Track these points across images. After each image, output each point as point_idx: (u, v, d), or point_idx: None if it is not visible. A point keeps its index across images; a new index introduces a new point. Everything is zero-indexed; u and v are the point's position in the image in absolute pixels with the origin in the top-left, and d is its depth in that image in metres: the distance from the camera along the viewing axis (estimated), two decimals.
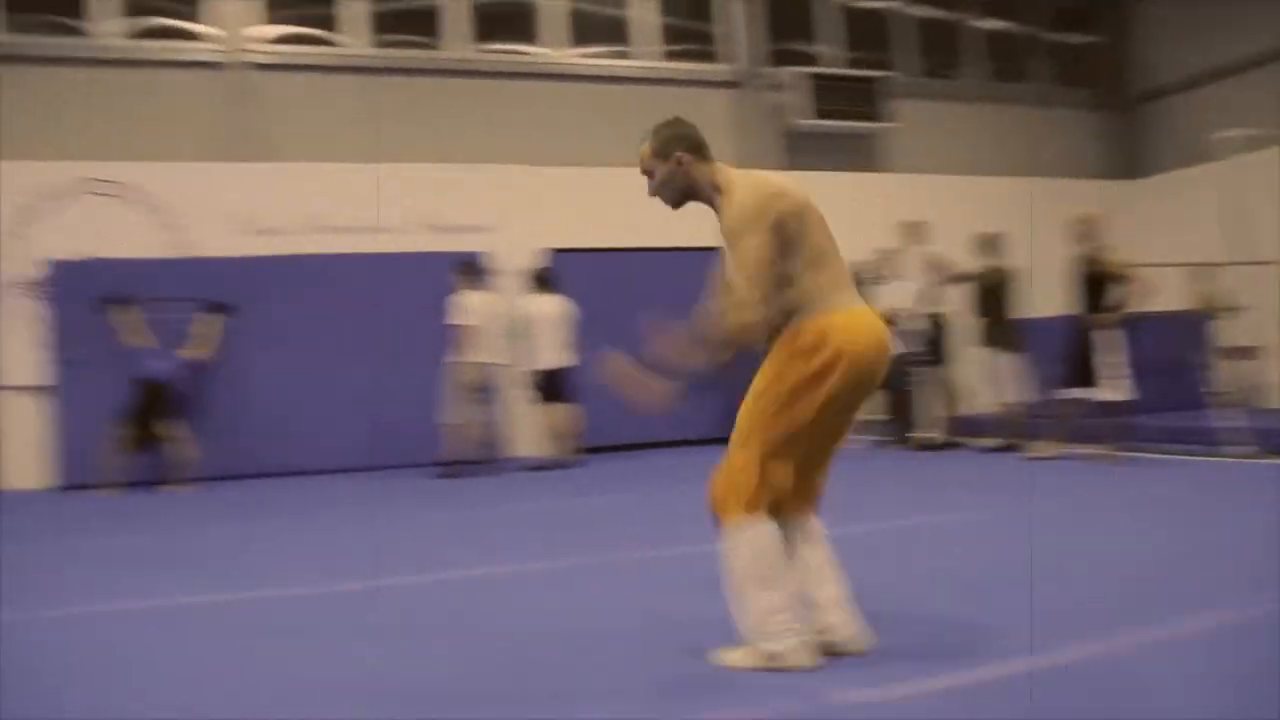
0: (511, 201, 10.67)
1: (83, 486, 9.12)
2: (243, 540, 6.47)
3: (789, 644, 3.01)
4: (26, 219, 9.54)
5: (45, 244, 9.48)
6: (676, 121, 3.23)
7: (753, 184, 3.12)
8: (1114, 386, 7.94)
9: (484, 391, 9.49)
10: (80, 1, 10.02)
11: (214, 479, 9.25)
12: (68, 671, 3.48)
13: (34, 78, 9.81)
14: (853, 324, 3.08)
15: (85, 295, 9.34)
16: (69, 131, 9.81)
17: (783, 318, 3.09)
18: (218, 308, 9.57)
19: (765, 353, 3.15)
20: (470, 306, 9.34)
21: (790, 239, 3.06)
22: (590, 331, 9.73)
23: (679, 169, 3.17)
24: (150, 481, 9.09)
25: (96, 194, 9.64)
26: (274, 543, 6.38)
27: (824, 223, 3.17)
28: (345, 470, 9.75)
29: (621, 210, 10.48)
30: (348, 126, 10.47)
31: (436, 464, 9.31)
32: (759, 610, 3.03)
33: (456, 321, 9.32)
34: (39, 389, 9.46)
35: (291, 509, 7.97)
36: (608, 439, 10.20)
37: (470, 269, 9.56)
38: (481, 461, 9.39)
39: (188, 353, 9.38)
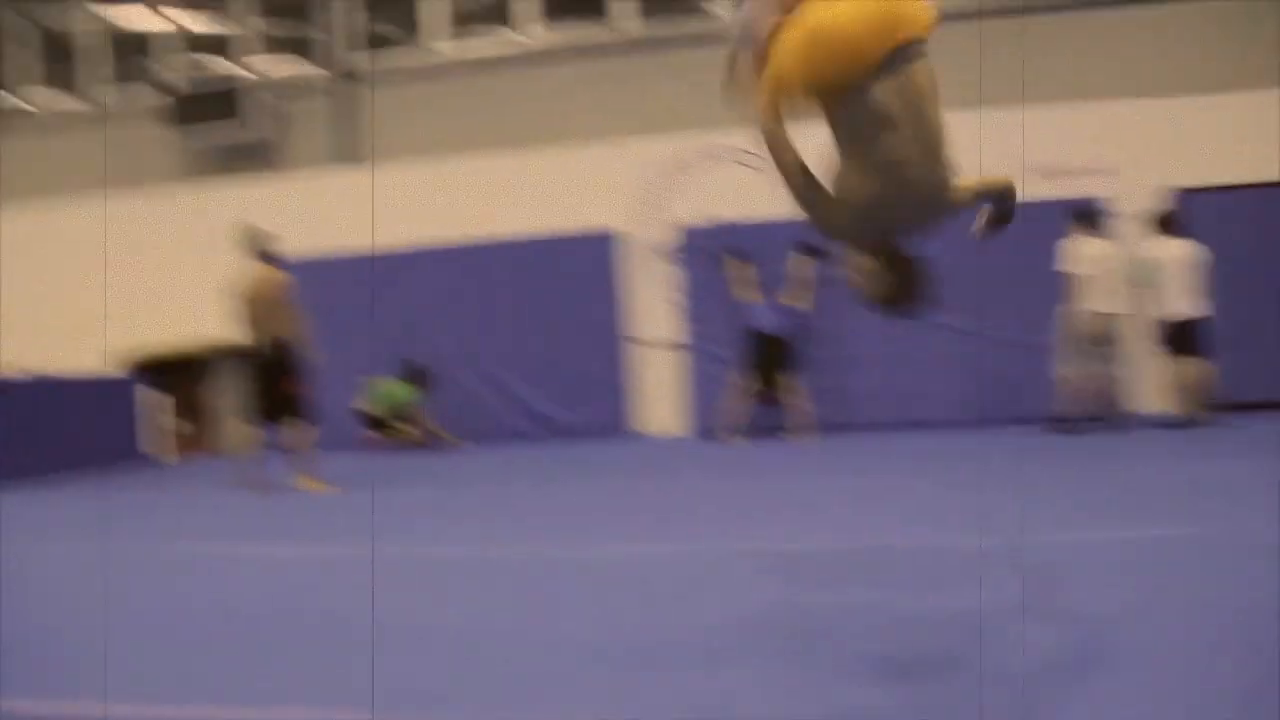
0: (1130, 140, 10.45)
1: (711, 434, 10.47)
2: (853, 491, 6.85)
3: None
4: (661, 188, 11.06)
5: (678, 211, 10.95)
6: None
7: None
8: None
9: (1102, 343, 9.51)
10: None
11: (832, 429, 10.12)
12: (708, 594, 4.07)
13: (666, 62, 11.37)
14: None
15: (711, 256, 10.69)
16: (694, 105, 11.19)
17: None
18: (809, 249, 10.45)
19: None
20: (1085, 253, 9.39)
21: None
22: (1224, 279, 9.41)
23: None
24: (771, 430, 10.18)
25: (730, 162, 10.90)
26: (886, 495, 6.63)
27: None
28: (952, 424, 10.19)
29: (1260, 142, 9.96)
30: (950, 73, 10.82)
31: (1050, 419, 9.48)
32: None
33: (1070, 269, 9.41)
34: (674, 344, 10.98)
35: (898, 463, 8.37)
36: (1246, 395, 9.74)
37: (1085, 214, 9.60)
38: (1099, 418, 9.42)
39: (787, 299, 10.33)
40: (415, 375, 10.94)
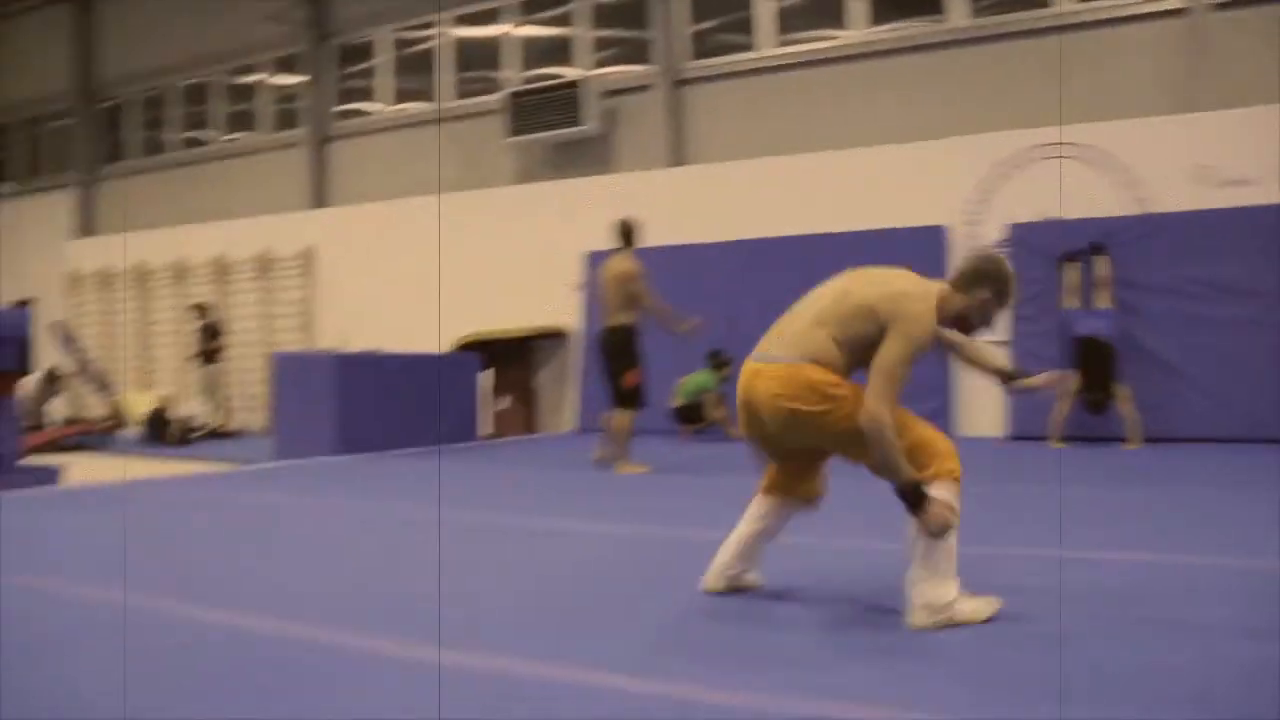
0: None
1: (1032, 438, 10.31)
2: (1161, 503, 6.44)
3: None
4: (992, 186, 11.06)
5: (1007, 209, 10.93)
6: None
7: None
8: None
9: None
10: None
11: (1166, 440, 9.74)
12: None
13: (997, 53, 11.41)
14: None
15: (1041, 255, 10.58)
16: (1027, 99, 11.18)
17: None
18: (1096, 249, 10.18)
19: None
20: None
21: None
22: None
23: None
24: (1094, 438, 9.90)
25: (1055, 158, 10.79)
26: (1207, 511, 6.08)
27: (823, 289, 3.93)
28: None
29: None
30: None
31: None
32: None
33: None
34: (1001, 343, 10.90)
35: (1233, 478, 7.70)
36: None
37: None
38: None
39: (1104, 302, 10.07)
40: (718, 362, 11.25)
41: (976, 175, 11.18)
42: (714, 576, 4.02)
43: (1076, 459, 8.94)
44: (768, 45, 13.00)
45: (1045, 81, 11.13)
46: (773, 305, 11.39)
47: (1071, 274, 10.36)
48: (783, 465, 3.98)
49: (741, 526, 4.00)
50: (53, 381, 14.66)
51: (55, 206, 19.98)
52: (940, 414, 11.07)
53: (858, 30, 12.39)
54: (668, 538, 5.48)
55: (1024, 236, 10.80)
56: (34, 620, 3.74)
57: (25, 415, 12.06)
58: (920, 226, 11.27)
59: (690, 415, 11.53)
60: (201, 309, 15.43)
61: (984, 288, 3.73)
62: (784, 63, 12.86)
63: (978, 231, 11.12)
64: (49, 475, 8.66)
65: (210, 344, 15.12)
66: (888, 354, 3.54)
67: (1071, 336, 10.04)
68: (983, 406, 11.00)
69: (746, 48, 13.17)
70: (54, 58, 19.87)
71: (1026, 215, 10.86)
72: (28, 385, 12.62)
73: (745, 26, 13.20)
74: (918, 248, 11.15)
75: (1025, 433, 10.53)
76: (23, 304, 13.12)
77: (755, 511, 4.00)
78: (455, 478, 8.56)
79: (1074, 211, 10.56)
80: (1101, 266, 10.20)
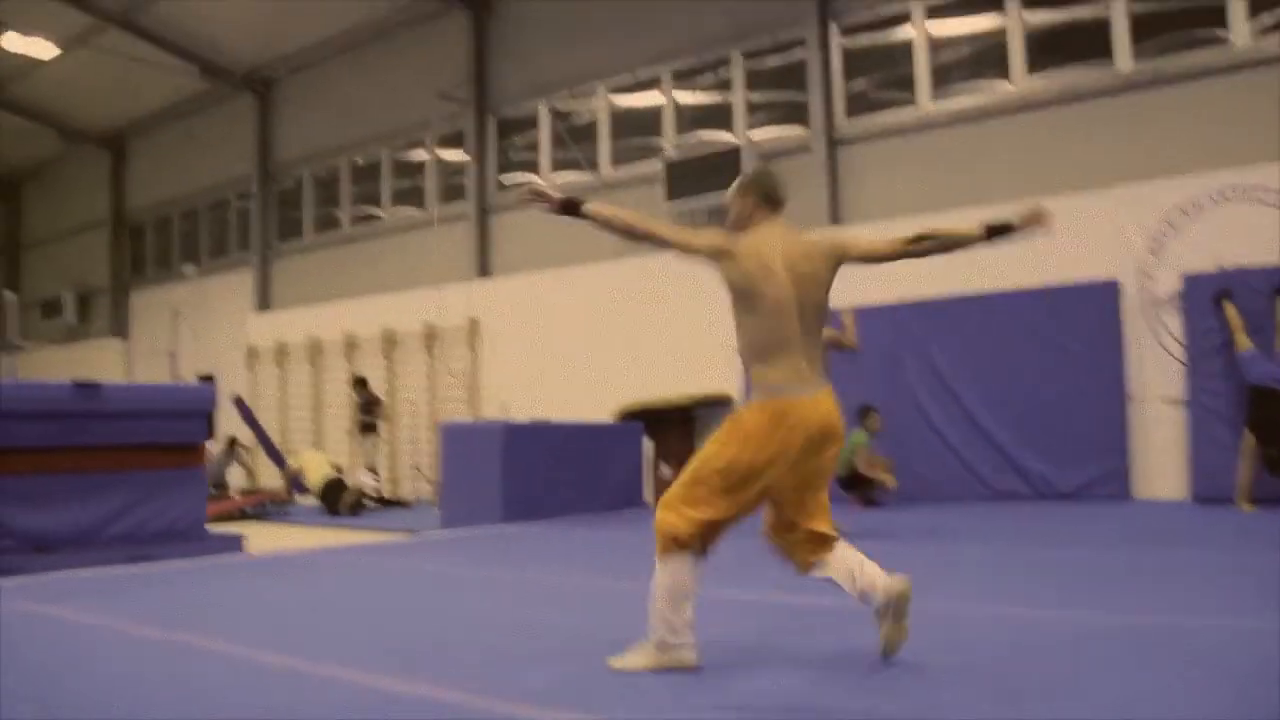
0: None
1: (1215, 500, 10.08)
2: None
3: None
4: (1165, 234, 10.96)
5: (1181, 257, 10.84)
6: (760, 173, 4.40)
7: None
8: None
9: None
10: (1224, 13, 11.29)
11: None
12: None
13: (1163, 101, 11.38)
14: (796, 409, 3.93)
15: (1213, 304, 10.50)
16: (1196, 144, 11.07)
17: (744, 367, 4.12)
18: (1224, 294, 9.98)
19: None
20: None
21: (736, 292, 4.11)
22: None
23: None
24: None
25: (1239, 202, 10.65)
26: None
27: (788, 295, 4.02)
28: None
29: None
30: None
31: None
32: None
33: None
34: (1175, 401, 10.76)
35: None
36: None
37: None
38: None
39: None
40: (864, 418, 10.90)
41: (1147, 225, 11.10)
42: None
43: (1265, 523, 8.74)
44: (925, 101, 13.19)
45: (1215, 123, 11.01)
46: (937, 367, 11.78)
47: (1234, 314, 10.19)
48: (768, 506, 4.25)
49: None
50: (232, 451, 15.68)
51: (235, 284, 21.43)
52: (1117, 476, 10.96)
53: (1018, 82, 12.47)
54: (790, 604, 5.53)
55: (1199, 288, 10.65)
56: (219, 687, 4.01)
57: (208, 483, 12.94)
58: (1091, 283, 11.23)
59: (850, 483, 11.09)
60: (360, 382, 16.26)
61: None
62: (943, 119, 13.02)
63: (1151, 284, 11.02)
64: (234, 543, 9.35)
65: (367, 416, 15.90)
66: (868, 241, 4.26)
67: (1246, 385, 9.85)
68: (1163, 467, 10.87)
69: (903, 104, 13.39)
70: (237, 145, 21.46)
71: (1202, 264, 10.71)
72: (211, 454, 13.53)
73: (902, 84, 13.44)
74: (1091, 304, 11.15)
75: (1210, 494, 10.31)
76: (207, 379, 14.13)
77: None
78: (619, 546, 8.86)
79: (1254, 258, 10.38)
80: None
